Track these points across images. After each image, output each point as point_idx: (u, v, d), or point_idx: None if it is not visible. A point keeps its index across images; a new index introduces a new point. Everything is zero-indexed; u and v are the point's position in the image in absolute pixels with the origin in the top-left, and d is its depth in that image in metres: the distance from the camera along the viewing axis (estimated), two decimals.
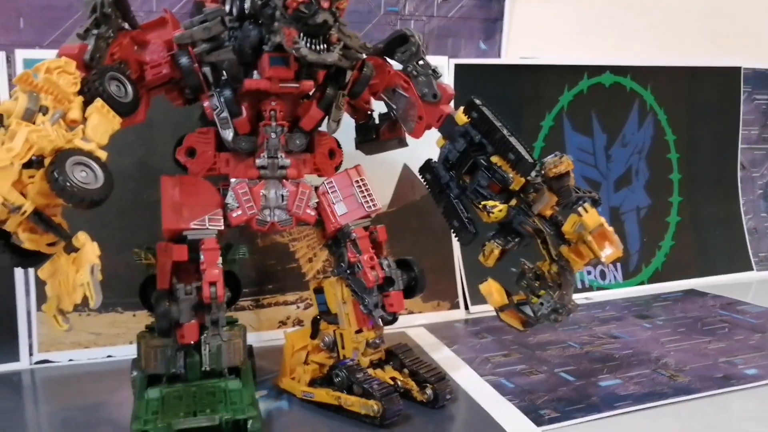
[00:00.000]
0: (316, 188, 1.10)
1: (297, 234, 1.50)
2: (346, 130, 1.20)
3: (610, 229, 0.99)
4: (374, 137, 1.24)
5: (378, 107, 1.22)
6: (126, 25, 1.03)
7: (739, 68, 2.00)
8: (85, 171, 0.81)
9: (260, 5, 0.96)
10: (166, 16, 1.07)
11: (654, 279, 1.89)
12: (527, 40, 1.74)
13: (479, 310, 1.63)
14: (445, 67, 1.63)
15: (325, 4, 0.90)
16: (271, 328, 1.48)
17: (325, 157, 1.14)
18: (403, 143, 1.24)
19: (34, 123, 0.81)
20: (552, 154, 1.05)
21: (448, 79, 1.63)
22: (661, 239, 1.91)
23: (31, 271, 1.32)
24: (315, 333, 1.17)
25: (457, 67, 1.65)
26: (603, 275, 1.82)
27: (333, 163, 1.15)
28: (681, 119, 1.94)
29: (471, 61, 1.68)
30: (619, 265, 1.83)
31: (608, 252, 0.97)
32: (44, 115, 0.83)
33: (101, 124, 0.87)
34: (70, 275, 0.80)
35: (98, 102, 0.87)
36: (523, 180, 1.06)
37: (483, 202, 1.06)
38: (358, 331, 1.12)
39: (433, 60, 1.59)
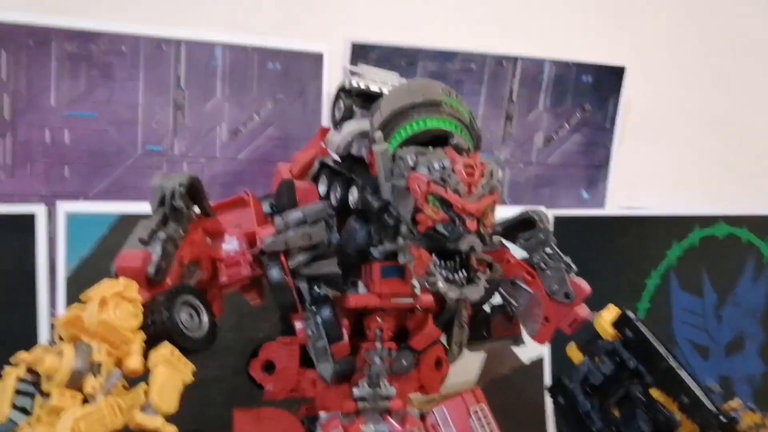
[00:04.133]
0: (423, 418, 0.87)
1: None
2: None
3: None
4: (484, 334, 1.01)
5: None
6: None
7: None
8: None
9: (377, 209, 0.75)
10: (246, 197, 0.87)
11: None
12: (634, 188, 1.54)
13: None
14: None
15: (472, 226, 0.68)
16: None
17: (431, 369, 0.91)
18: (519, 341, 1.01)
19: (81, 390, 0.60)
20: (745, 405, 0.81)
21: None
22: None
23: None
24: None
25: (557, 219, 1.44)
26: None
27: (439, 376, 0.92)
28: None
29: (572, 213, 1.47)
30: None
31: None
32: (96, 375, 0.61)
33: (170, 381, 0.65)
34: None
35: (166, 349, 0.66)
36: (696, 428, 0.82)
37: None
38: None
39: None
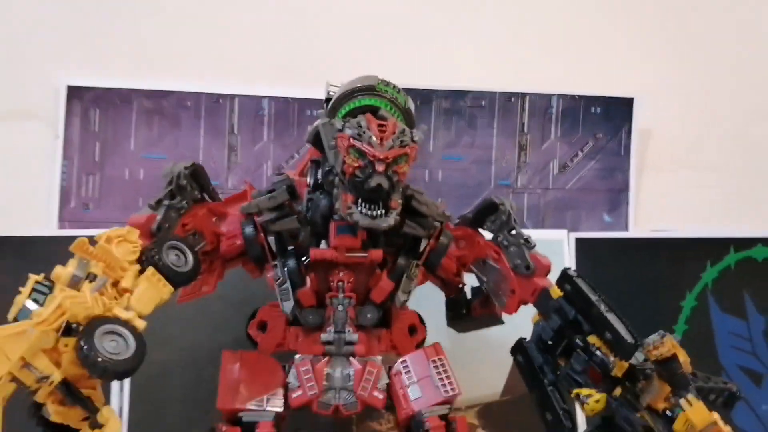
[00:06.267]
0: (390, 368, 1.00)
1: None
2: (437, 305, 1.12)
3: (727, 428, 0.79)
4: (465, 313, 1.13)
5: (470, 281, 1.12)
6: (207, 197, 1.05)
7: None
8: (116, 341, 0.78)
9: (324, 173, 0.94)
10: (246, 187, 1.07)
11: None
12: (659, 211, 1.59)
13: None
14: (564, 241, 1.51)
15: (380, 168, 0.85)
16: None
17: (404, 333, 1.05)
18: (497, 320, 1.12)
19: (79, 290, 0.81)
20: (657, 332, 0.88)
21: (569, 254, 1.51)
22: None
23: None
24: None
25: (579, 241, 1.52)
26: None
27: (413, 341, 1.05)
28: None
29: (595, 235, 1.54)
30: None
31: None
32: (91, 282, 0.82)
33: (147, 293, 0.85)
34: None
35: (149, 270, 0.86)
36: (626, 365, 0.89)
37: (576, 390, 0.90)
38: None
39: (552, 234, 1.52)
